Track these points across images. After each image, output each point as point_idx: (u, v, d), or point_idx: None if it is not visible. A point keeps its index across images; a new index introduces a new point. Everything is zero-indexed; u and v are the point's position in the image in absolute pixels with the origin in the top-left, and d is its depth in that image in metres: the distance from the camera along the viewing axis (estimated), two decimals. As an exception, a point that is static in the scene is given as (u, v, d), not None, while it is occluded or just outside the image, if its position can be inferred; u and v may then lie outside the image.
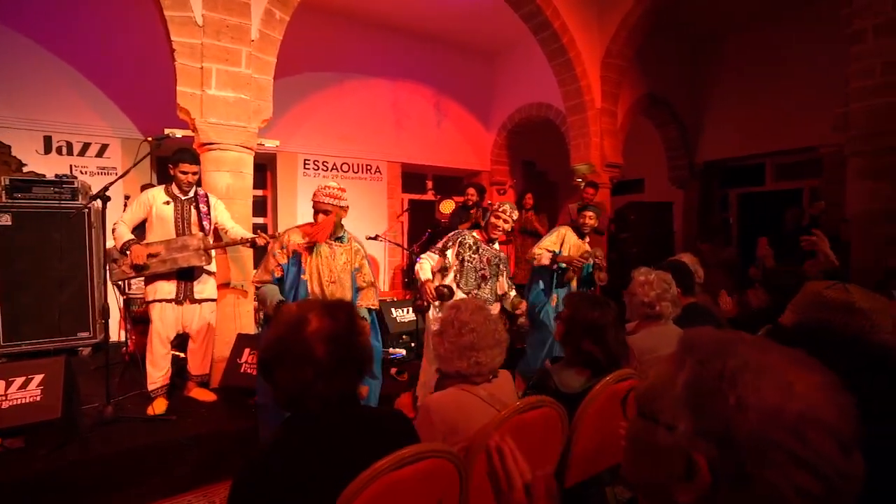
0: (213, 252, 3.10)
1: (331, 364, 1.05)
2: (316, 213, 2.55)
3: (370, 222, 6.46)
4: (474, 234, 3.00)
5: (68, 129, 4.95)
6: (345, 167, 6.64)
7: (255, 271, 2.52)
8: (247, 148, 3.44)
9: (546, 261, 3.62)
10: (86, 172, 4.98)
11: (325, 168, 6.47)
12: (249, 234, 3.14)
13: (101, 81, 5.04)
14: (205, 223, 3.06)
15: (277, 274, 2.44)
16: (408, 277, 6.18)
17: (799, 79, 6.21)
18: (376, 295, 2.73)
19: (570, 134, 5.94)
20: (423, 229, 5.77)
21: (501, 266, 3.06)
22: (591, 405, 1.58)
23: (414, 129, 7.14)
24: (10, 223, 4.01)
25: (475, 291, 2.92)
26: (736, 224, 7.60)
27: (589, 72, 5.67)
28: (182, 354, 3.39)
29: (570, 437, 1.58)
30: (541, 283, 3.76)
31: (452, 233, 3.03)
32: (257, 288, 2.50)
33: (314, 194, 2.55)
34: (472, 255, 2.92)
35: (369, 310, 2.64)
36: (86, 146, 5.05)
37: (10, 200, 4.05)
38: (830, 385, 0.49)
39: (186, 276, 3.01)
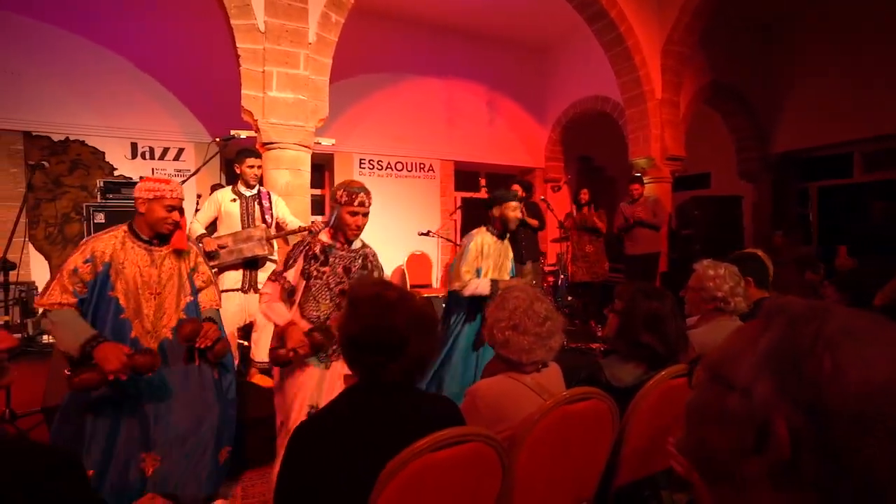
0: (274, 242, 3.31)
1: (411, 349, 1.11)
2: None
3: (423, 220, 6.54)
4: (322, 237, 2.16)
5: (150, 135, 5.41)
6: (399, 166, 6.77)
7: (42, 294, 1.85)
8: (304, 146, 3.60)
9: (486, 290, 2.71)
10: (165, 174, 5.42)
11: (379, 167, 6.63)
12: (306, 223, 3.35)
13: (178, 90, 5.47)
14: (267, 217, 3.29)
15: (81, 293, 1.85)
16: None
17: (890, 56, 5.58)
18: (217, 292, 2.25)
19: (629, 127, 5.71)
20: (476, 227, 5.76)
21: (370, 265, 2.23)
22: (644, 400, 1.50)
23: (467, 127, 7.15)
24: (103, 221, 4.45)
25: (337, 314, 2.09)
26: (816, 220, 6.96)
27: (648, 61, 5.42)
28: (247, 343, 3.60)
29: (622, 432, 1.52)
30: (459, 313, 2.86)
31: (296, 243, 2.17)
32: (44, 313, 1.86)
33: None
34: (321, 268, 2.09)
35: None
36: (165, 150, 5.50)
37: (103, 200, 4.51)
38: None
39: (251, 265, 3.23)
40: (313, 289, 2.08)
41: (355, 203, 2.06)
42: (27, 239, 4.75)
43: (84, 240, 2.00)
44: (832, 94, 6.23)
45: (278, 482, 1.06)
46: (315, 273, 2.08)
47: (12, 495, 0.83)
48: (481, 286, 2.73)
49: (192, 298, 2.09)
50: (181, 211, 2.03)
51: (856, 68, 5.96)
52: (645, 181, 5.45)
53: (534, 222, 4.98)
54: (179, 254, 2.09)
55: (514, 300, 1.50)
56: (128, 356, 1.76)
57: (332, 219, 2.12)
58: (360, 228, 2.11)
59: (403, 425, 1.09)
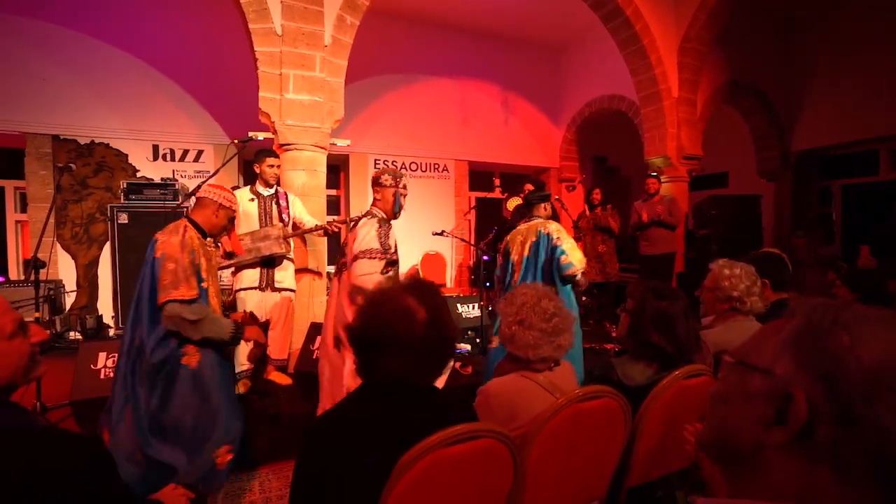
0: (291, 240, 3.37)
1: (423, 347, 1.09)
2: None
3: (437, 220, 6.57)
4: (378, 213, 2.54)
5: (171, 137, 5.54)
6: (413, 166, 6.81)
7: (171, 288, 1.94)
8: (320, 147, 3.65)
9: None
10: (185, 176, 5.54)
11: (394, 167, 6.68)
12: (323, 222, 3.40)
13: (197, 93, 5.59)
14: (284, 216, 3.35)
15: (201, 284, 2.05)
16: (474, 275, 6.21)
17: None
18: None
19: (644, 126, 5.65)
20: (490, 227, 5.77)
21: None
22: (658, 399, 1.50)
23: (481, 128, 7.16)
24: (126, 221, 4.58)
25: None
26: (839, 220, 6.79)
27: (665, 59, 5.36)
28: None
29: (634, 432, 1.52)
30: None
31: (377, 225, 2.47)
32: (182, 301, 1.95)
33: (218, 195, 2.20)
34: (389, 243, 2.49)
35: None
36: (185, 153, 5.62)
37: (126, 201, 4.65)
38: None
39: (268, 263, 3.29)
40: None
41: (401, 185, 2.56)
42: (55, 239, 4.91)
43: (166, 236, 2.06)
44: (856, 91, 6.08)
45: (294, 478, 1.08)
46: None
47: (43, 482, 0.87)
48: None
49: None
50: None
51: (882, 63, 5.80)
52: (662, 180, 5.40)
53: (565, 218, 4.98)
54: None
55: (522, 296, 1.52)
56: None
57: (397, 203, 2.55)
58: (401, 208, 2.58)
59: (416, 422, 1.09)
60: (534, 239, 2.98)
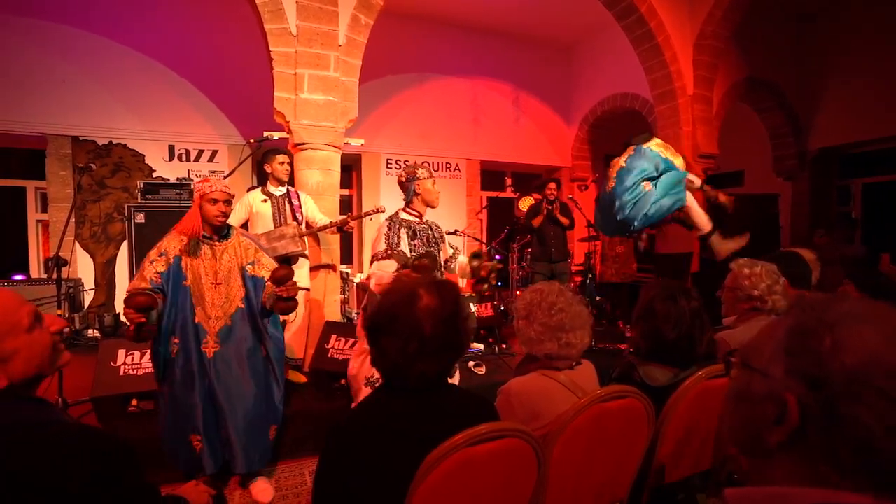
0: (305, 239, 3.39)
1: (435, 343, 1.08)
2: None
3: (449, 220, 6.55)
4: (403, 216, 2.54)
5: (186, 138, 5.60)
6: (425, 165, 6.77)
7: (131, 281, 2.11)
8: (335, 147, 3.66)
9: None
10: (200, 176, 5.60)
11: (406, 166, 6.68)
12: (337, 219, 3.42)
13: (212, 94, 5.64)
14: (297, 215, 3.37)
15: (156, 281, 2.11)
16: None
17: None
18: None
19: (658, 124, 5.59)
20: (502, 226, 5.76)
21: (436, 233, 2.65)
22: (681, 400, 1.48)
23: (492, 127, 7.14)
24: (143, 220, 4.64)
25: None
26: (860, 220, 6.65)
27: (679, 56, 5.30)
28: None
29: (657, 433, 1.50)
30: None
31: (388, 223, 2.50)
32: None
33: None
34: (412, 242, 2.50)
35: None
36: (200, 153, 5.68)
37: (143, 201, 4.72)
38: None
39: (284, 262, 3.29)
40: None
41: (433, 175, 2.59)
42: (74, 238, 4.99)
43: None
44: (876, 87, 5.94)
45: (315, 481, 1.07)
46: (410, 247, 2.48)
47: (68, 479, 0.87)
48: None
49: (244, 292, 2.29)
50: (229, 202, 2.25)
51: (903, 59, 5.68)
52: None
53: (565, 220, 4.95)
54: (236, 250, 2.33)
55: (532, 293, 1.52)
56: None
57: (411, 195, 2.54)
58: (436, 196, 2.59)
59: (438, 422, 1.09)
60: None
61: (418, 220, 2.57)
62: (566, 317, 1.42)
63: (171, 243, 2.20)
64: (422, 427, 1.08)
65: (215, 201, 2.19)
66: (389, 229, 2.47)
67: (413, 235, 2.51)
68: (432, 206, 2.59)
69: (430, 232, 2.60)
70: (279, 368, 2.39)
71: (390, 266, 2.38)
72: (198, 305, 2.20)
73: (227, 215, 2.25)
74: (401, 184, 2.60)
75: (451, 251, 2.76)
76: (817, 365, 0.50)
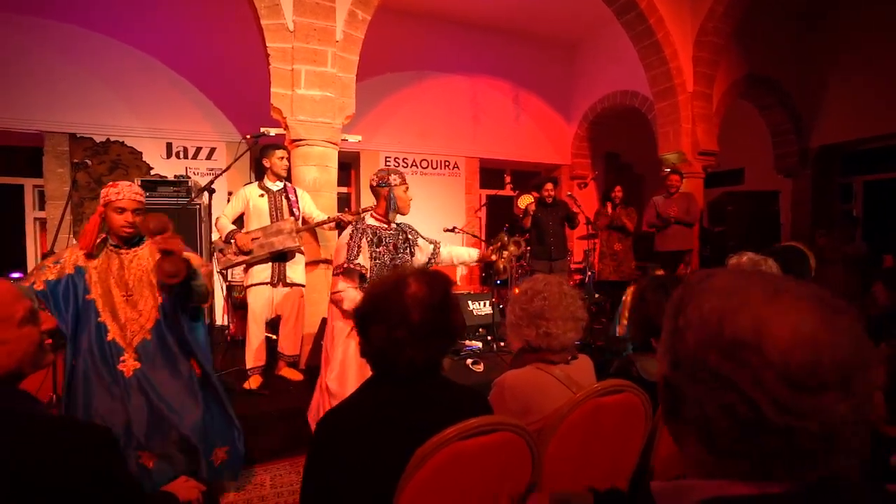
0: (301, 235, 3.36)
1: (423, 330, 1.07)
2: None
3: (448, 218, 6.52)
4: (369, 221, 2.43)
5: (184, 135, 5.58)
6: (424, 163, 6.79)
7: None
8: (332, 143, 3.64)
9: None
10: (198, 173, 5.58)
11: (405, 164, 6.66)
12: (334, 215, 3.38)
13: (210, 91, 5.62)
14: (294, 210, 3.35)
15: (37, 287, 1.89)
16: (485, 272, 6.17)
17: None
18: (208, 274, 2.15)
19: (658, 121, 5.56)
20: (501, 225, 5.73)
21: (409, 236, 2.52)
22: (678, 395, 1.45)
23: (492, 124, 7.11)
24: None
25: None
26: (861, 217, 6.62)
27: (680, 53, 5.27)
28: (275, 336, 3.66)
29: (655, 429, 1.47)
30: None
31: (350, 232, 2.36)
32: None
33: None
34: (377, 249, 2.37)
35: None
36: (198, 150, 5.66)
37: (139, 198, 4.68)
38: (829, 329, 0.45)
39: (280, 258, 3.28)
40: (374, 269, 2.33)
41: (405, 182, 2.45)
42: (71, 235, 4.97)
43: None
44: (879, 83, 5.90)
45: (304, 477, 1.05)
46: (373, 255, 2.35)
47: (52, 470, 0.85)
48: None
49: (163, 299, 2.04)
50: (139, 212, 1.98)
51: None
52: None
53: (580, 216, 4.92)
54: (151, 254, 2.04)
55: (526, 281, 1.51)
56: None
57: (391, 202, 2.41)
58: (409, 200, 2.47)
59: (428, 415, 1.07)
60: None
61: (385, 226, 2.43)
62: (547, 305, 1.40)
63: (74, 253, 1.98)
64: (410, 415, 1.05)
65: (122, 210, 1.94)
66: (351, 238, 2.32)
67: (378, 242, 2.37)
68: (403, 214, 2.47)
69: (399, 237, 2.46)
70: (218, 385, 2.17)
71: (347, 283, 2.27)
72: (110, 321, 1.96)
73: (135, 226, 1.97)
74: (372, 188, 2.45)
75: (430, 247, 2.60)
76: (674, 343, 0.50)
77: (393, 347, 1.06)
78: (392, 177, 2.41)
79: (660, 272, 3.28)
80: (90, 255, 1.99)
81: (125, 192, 1.94)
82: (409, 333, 1.05)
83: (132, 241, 2.04)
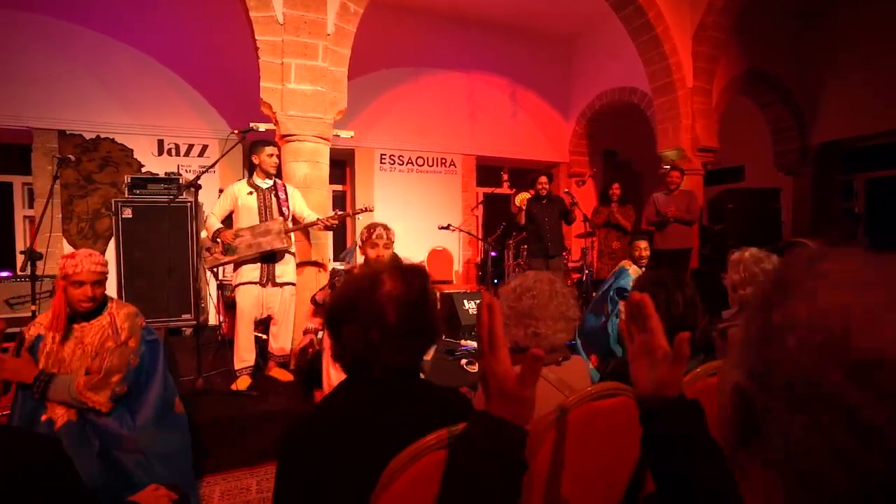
0: (292, 234, 3.28)
1: (399, 330, 0.99)
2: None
3: (444, 216, 6.44)
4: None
5: (176, 132, 5.49)
6: (419, 161, 6.71)
7: None
8: (323, 138, 3.56)
9: None
10: (189, 170, 5.50)
11: (400, 162, 6.58)
12: (325, 216, 3.29)
13: (202, 88, 5.54)
14: (284, 209, 3.25)
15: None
16: (481, 271, 6.10)
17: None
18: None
19: (657, 118, 5.49)
20: (499, 223, 5.66)
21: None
22: (677, 398, 1.37)
23: (489, 122, 7.03)
24: (130, 216, 4.53)
25: None
26: (863, 215, 6.56)
27: (679, 48, 5.19)
28: (265, 336, 3.59)
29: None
30: None
31: (335, 275, 2.48)
32: None
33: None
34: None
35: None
36: (190, 147, 5.58)
37: (131, 196, 4.60)
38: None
39: (269, 258, 3.20)
40: None
41: (373, 237, 2.46)
42: (61, 234, 4.89)
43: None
44: (881, 79, 5.83)
45: (275, 486, 0.97)
46: None
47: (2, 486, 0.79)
48: None
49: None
50: (99, 284, 1.84)
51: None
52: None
53: (577, 212, 4.84)
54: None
55: (517, 277, 1.43)
56: None
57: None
58: (379, 259, 2.46)
59: (404, 413, 0.99)
60: None
61: None
62: (536, 304, 1.31)
63: (40, 320, 1.86)
64: (383, 414, 0.97)
65: (81, 283, 1.79)
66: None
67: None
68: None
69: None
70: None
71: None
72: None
73: (96, 299, 1.85)
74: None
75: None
76: (762, 347, 0.36)
77: (368, 349, 0.98)
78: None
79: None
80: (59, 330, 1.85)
81: (83, 263, 1.79)
82: (385, 335, 0.97)
83: (90, 314, 1.89)
